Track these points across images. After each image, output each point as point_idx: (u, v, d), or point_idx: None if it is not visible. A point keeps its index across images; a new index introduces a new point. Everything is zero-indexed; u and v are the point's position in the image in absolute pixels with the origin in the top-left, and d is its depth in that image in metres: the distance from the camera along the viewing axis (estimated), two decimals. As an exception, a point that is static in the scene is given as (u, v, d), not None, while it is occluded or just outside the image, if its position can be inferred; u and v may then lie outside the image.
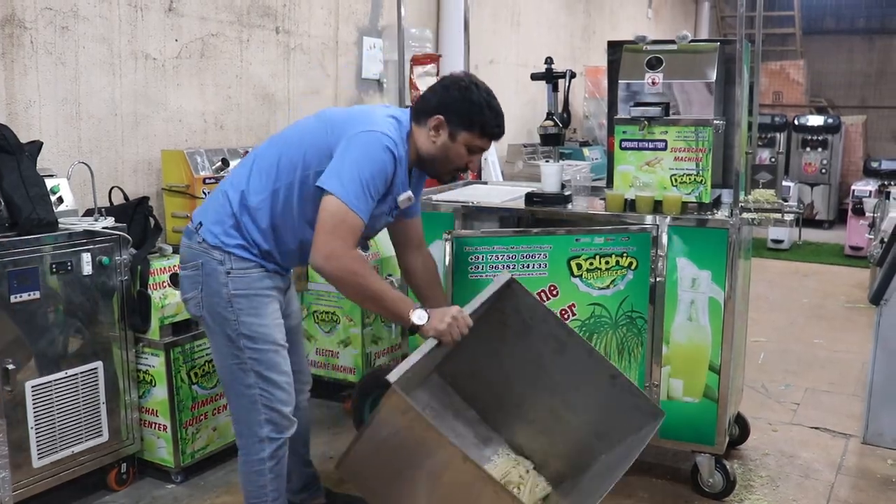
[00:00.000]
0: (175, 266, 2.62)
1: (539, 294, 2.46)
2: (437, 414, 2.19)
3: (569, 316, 2.50)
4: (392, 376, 1.70)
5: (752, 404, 3.42)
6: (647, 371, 2.55)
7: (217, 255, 2.00)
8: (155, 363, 2.64)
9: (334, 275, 1.86)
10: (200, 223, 2.05)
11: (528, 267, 2.47)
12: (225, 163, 3.24)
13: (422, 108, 2.03)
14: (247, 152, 3.30)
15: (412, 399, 2.12)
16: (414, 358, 1.81)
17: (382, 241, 3.11)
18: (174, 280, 2.62)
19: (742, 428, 3.04)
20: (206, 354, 2.71)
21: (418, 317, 1.91)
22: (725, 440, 2.60)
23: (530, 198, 2.81)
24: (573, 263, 2.47)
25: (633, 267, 2.48)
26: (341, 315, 3.27)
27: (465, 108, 1.98)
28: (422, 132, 2.02)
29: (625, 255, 2.47)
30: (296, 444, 2.25)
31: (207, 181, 3.14)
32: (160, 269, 2.66)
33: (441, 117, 1.99)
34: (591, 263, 2.47)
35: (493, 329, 2.11)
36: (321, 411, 3.30)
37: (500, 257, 2.46)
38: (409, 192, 2.07)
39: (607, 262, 2.47)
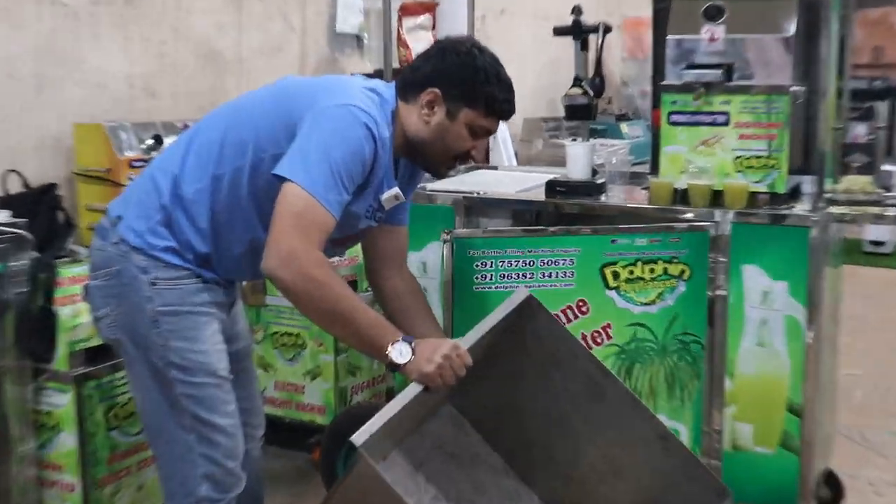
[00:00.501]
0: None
1: (565, 311, 2.46)
2: (450, 458, 2.18)
3: (603, 340, 2.50)
4: (358, 438, 1.66)
5: (846, 458, 3.39)
6: (705, 412, 2.54)
7: (139, 259, 1.98)
8: (61, 402, 2.61)
9: (291, 283, 1.84)
10: (119, 217, 2.04)
11: (549, 276, 2.47)
12: (158, 140, 3.26)
13: (411, 80, 2.04)
14: (186, 126, 3.31)
15: (401, 450, 2.13)
16: (389, 411, 1.75)
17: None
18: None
19: (834, 489, 3.01)
20: (130, 390, 2.71)
21: (399, 353, 1.87)
22: (811, 504, 2.60)
23: (552, 187, 2.83)
24: (608, 272, 2.47)
25: (685, 276, 2.48)
26: (308, 338, 3.26)
27: (466, 78, 1.99)
28: (412, 110, 2.03)
29: (674, 260, 2.47)
30: (245, 507, 2.24)
31: (135, 164, 3.14)
32: (71, 278, 2.65)
33: (437, 90, 2.00)
34: (632, 272, 2.47)
35: (510, 355, 2.10)
36: (280, 463, 3.30)
37: (514, 263, 2.45)
38: (397, 189, 2.07)
39: (652, 271, 2.47)
